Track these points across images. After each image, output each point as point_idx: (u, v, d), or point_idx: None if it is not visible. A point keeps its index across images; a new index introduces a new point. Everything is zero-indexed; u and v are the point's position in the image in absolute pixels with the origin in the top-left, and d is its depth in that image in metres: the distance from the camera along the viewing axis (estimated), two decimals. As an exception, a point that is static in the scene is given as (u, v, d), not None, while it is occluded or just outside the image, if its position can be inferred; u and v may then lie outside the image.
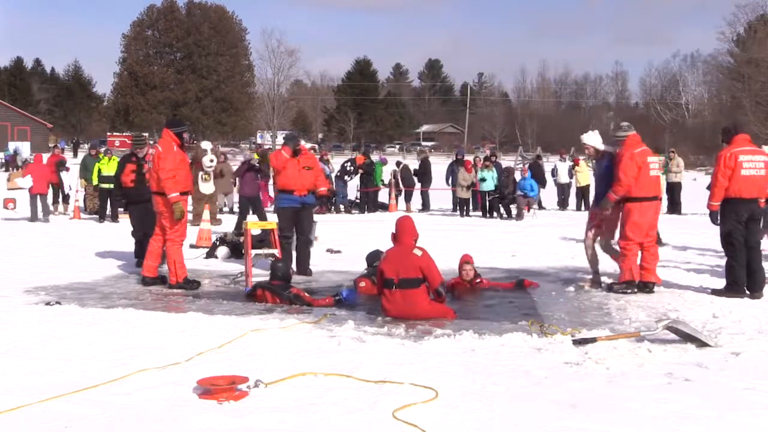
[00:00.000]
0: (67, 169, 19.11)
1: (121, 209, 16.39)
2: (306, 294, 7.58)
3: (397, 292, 6.70)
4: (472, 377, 4.78)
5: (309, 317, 6.65)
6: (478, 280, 8.39)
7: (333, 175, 20.76)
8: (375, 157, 23.16)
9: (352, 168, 20.75)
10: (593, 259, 8.45)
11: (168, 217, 8.36)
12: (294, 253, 9.34)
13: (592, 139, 8.51)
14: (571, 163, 21.66)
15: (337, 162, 25.64)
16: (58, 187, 18.73)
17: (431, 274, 6.80)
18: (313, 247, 10.38)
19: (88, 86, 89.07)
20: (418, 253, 6.81)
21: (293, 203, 9.25)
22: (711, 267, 9.61)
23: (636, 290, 7.95)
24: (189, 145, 8.64)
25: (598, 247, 8.47)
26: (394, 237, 7.04)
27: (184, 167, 8.47)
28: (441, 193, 21.67)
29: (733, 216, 7.77)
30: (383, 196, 21.31)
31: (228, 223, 14.85)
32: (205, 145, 16.35)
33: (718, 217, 7.87)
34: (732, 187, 7.70)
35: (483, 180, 18.65)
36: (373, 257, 8.31)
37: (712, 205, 7.85)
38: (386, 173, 21.80)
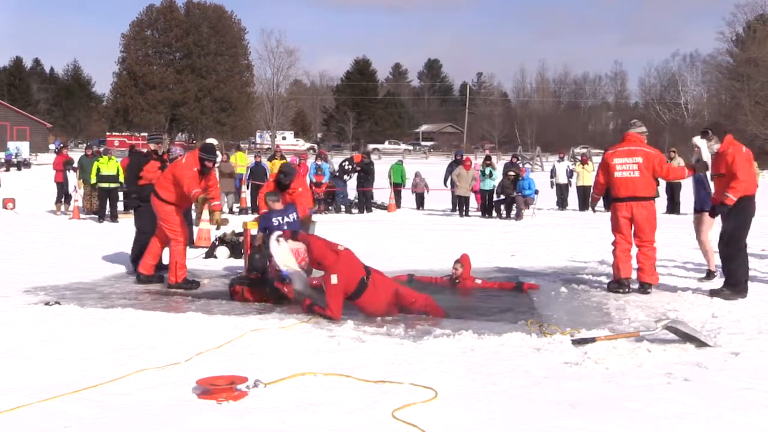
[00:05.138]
0: (75, 169, 19.07)
1: (121, 209, 16.37)
2: (286, 289, 7.33)
3: (371, 285, 6.60)
4: (472, 377, 4.77)
5: (308, 317, 6.61)
6: (457, 281, 8.33)
7: (331, 175, 20.75)
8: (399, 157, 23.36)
9: (350, 167, 20.73)
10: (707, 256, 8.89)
11: (165, 219, 8.42)
12: None
13: (702, 142, 8.65)
14: (572, 164, 21.66)
15: (335, 162, 25.65)
16: (63, 186, 18.69)
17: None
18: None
19: (87, 86, 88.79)
20: (342, 248, 6.78)
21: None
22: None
23: (627, 290, 7.94)
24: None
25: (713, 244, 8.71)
26: (320, 262, 6.75)
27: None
28: (440, 194, 21.68)
29: (745, 214, 7.73)
30: (382, 195, 21.34)
31: (234, 223, 14.76)
32: (211, 140, 16.37)
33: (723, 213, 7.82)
34: (749, 184, 7.68)
35: (484, 175, 18.64)
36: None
37: (731, 199, 7.63)
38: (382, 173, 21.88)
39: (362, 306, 6.67)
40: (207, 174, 8.52)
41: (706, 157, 8.55)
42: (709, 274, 8.79)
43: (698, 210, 9.00)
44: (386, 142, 75.35)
